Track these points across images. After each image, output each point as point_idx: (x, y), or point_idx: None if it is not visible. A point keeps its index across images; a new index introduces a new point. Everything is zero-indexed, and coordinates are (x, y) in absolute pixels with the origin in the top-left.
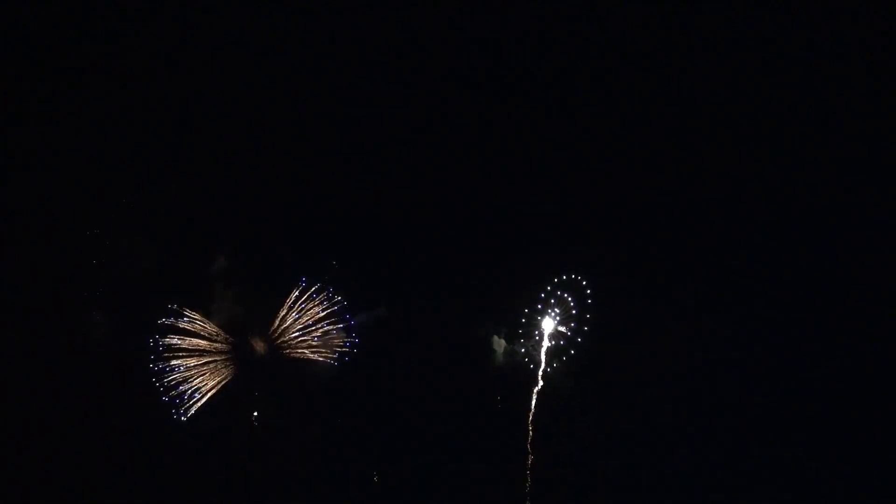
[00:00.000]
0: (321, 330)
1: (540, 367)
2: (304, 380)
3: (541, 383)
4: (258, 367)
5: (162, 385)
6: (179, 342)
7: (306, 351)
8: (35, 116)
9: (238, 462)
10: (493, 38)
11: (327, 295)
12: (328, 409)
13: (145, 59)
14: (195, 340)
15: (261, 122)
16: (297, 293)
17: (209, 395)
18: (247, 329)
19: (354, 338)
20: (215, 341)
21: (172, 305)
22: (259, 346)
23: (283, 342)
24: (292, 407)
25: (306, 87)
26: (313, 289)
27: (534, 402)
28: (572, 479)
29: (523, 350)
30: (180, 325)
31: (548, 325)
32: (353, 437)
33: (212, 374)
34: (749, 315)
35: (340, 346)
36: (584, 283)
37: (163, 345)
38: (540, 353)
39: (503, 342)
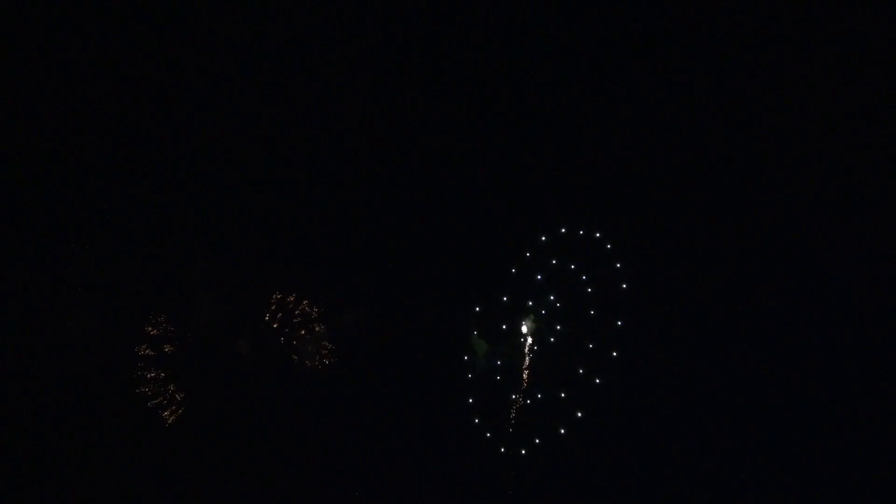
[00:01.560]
0: (304, 332)
1: (521, 385)
2: (288, 382)
3: (521, 400)
4: (241, 372)
5: (141, 392)
6: (156, 350)
7: (290, 354)
8: (15, 118)
9: (222, 466)
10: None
11: (310, 296)
12: (312, 411)
13: (133, 60)
14: (172, 346)
15: (241, 122)
16: (279, 295)
17: (188, 402)
18: (228, 334)
19: (337, 339)
20: (194, 346)
21: (150, 312)
22: (242, 349)
23: (267, 345)
24: (276, 410)
25: (284, 88)
26: (296, 292)
27: (513, 419)
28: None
29: (502, 354)
30: (158, 333)
31: (529, 327)
32: (338, 438)
33: (191, 380)
34: (747, 319)
35: (324, 348)
36: (571, 282)
37: (141, 352)
38: (522, 361)
39: (484, 343)
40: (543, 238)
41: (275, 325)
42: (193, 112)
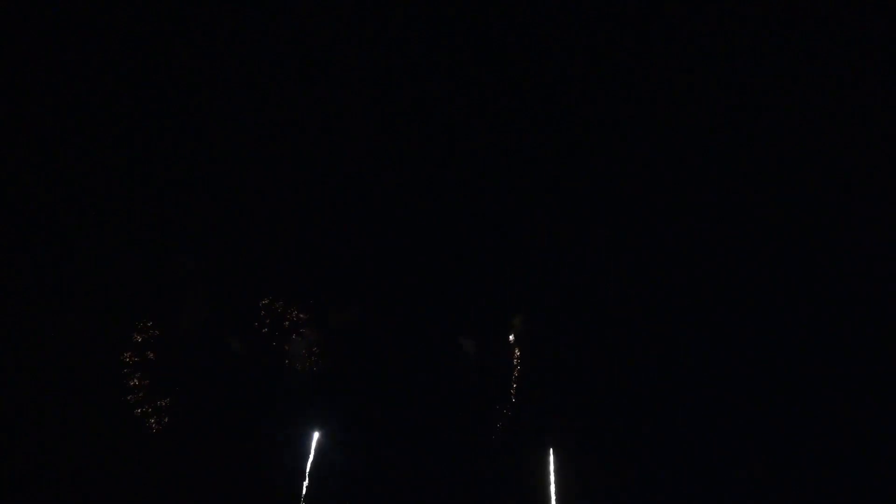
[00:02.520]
0: (295, 336)
1: (510, 397)
2: (280, 386)
3: (508, 412)
4: (231, 377)
5: (128, 399)
6: (142, 357)
7: (281, 358)
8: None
9: (212, 470)
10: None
11: (301, 298)
12: (304, 416)
13: (116, 57)
14: (157, 353)
15: (231, 121)
16: (269, 299)
17: (173, 409)
18: (216, 339)
19: (328, 342)
20: (180, 352)
21: (136, 318)
22: (235, 348)
23: (257, 349)
24: (267, 415)
25: (273, 87)
26: (286, 294)
27: (500, 430)
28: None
29: (491, 358)
30: (143, 338)
31: (519, 329)
32: (329, 442)
33: (177, 387)
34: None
35: (315, 352)
36: (565, 284)
37: (127, 358)
38: (511, 368)
39: (473, 345)
40: (536, 239)
41: (264, 331)
42: (185, 116)
